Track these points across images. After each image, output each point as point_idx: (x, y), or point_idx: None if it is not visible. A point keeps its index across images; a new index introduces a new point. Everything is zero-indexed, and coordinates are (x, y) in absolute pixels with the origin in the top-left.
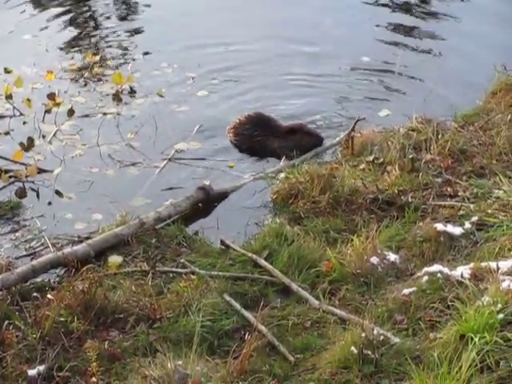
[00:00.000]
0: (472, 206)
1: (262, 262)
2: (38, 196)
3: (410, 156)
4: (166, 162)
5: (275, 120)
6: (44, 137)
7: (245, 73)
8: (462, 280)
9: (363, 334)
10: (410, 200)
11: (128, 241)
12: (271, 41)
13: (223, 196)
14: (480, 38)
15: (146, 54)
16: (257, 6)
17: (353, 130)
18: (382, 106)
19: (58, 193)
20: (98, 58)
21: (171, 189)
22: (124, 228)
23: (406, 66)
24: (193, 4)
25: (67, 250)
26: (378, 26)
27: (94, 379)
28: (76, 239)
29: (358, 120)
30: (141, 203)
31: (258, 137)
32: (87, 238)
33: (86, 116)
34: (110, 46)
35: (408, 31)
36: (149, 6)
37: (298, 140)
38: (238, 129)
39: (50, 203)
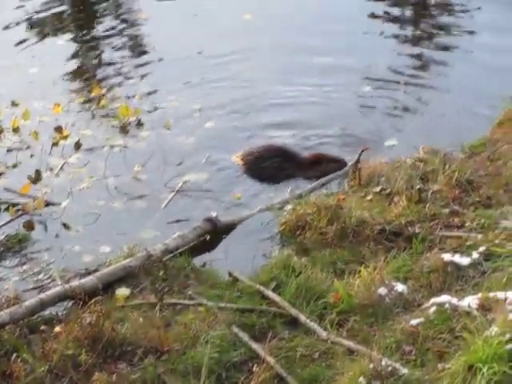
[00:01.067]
0: (479, 236)
1: (270, 294)
2: (45, 229)
3: (417, 187)
4: (173, 194)
5: (296, 151)
6: (51, 170)
7: (251, 104)
8: (470, 310)
9: (371, 365)
10: (417, 231)
11: (136, 273)
12: (276, 72)
13: (230, 227)
14: (487, 68)
15: (152, 86)
16: (263, 34)
17: (358, 160)
18: (387, 135)
19: (65, 225)
20: (104, 90)
21: (179, 221)
22: (132, 260)
23: (411, 95)
24: (198, 35)
25: (75, 283)
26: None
27: None
28: (84, 272)
29: (363, 150)
30: (149, 235)
31: (285, 169)
32: (95, 271)
33: (93, 149)
34: (117, 78)
35: (414, 61)
36: (154, 37)
37: (325, 168)
38: (258, 160)
39: (57, 236)
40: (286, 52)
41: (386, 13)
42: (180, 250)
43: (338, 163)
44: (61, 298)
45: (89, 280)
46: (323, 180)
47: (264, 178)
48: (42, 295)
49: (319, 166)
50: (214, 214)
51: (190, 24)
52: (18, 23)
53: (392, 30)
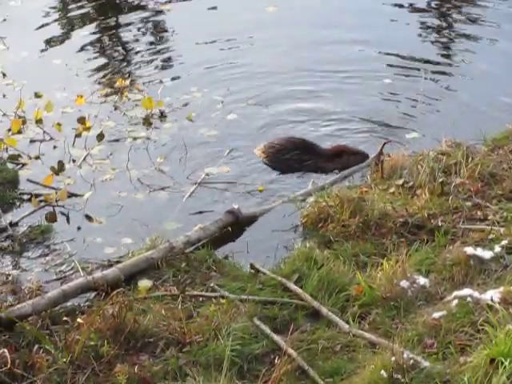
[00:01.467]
0: (502, 229)
1: (292, 286)
2: (68, 220)
3: (440, 180)
4: (195, 186)
5: (317, 144)
6: (74, 161)
7: (274, 96)
8: (492, 304)
9: (393, 358)
10: (439, 224)
11: (158, 265)
12: (297, 62)
13: (252, 219)
14: (510, 62)
15: (175, 78)
16: (283, 28)
17: (381, 153)
18: (409, 127)
19: (88, 217)
20: (127, 82)
21: (201, 213)
22: (154, 252)
23: (433, 86)
24: (221, 28)
25: (97, 274)
26: (403, 45)
27: None
28: (106, 263)
29: (385, 143)
30: (172, 227)
31: (307, 161)
32: (117, 262)
33: (116, 140)
34: (140, 70)
35: (436, 52)
36: (177, 29)
37: (346, 161)
38: (280, 152)
39: (79, 227)
40: (308, 42)
41: (410, 4)
42: (202, 242)
43: (360, 156)
44: (83, 290)
45: (111, 271)
46: (345, 172)
47: (285, 170)
48: (65, 286)
49: (340, 158)
50: (235, 207)
51: (211, 16)
52: (41, 15)
53: (416, 19)
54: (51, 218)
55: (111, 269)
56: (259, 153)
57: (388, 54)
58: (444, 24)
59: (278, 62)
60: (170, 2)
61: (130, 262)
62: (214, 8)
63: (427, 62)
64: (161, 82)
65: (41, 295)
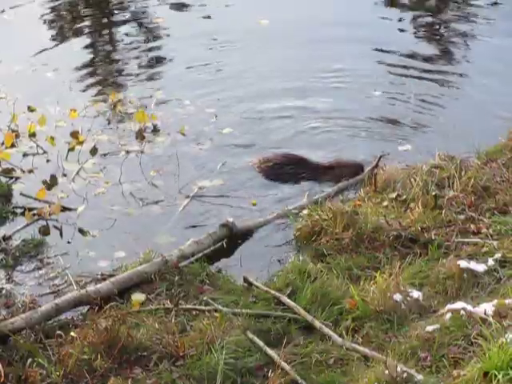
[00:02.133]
0: (495, 242)
1: (285, 300)
2: (61, 234)
3: (433, 193)
4: (188, 199)
5: (311, 159)
6: (67, 175)
7: (267, 109)
8: (486, 317)
9: (386, 372)
10: (433, 237)
11: (151, 278)
12: (290, 77)
13: (247, 232)
14: (501, 74)
15: (168, 91)
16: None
17: (376, 165)
18: (402, 140)
19: (81, 231)
20: (120, 96)
21: (194, 227)
22: (147, 266)
23: (424, 101)
24: (214, 40)
25: (91, 288)
26: (395, 55)
27: None
28: (99, 277)
29: (381, 156)
30: (165, 241)
31: (301, 175)
32: (110, 276)
33: (109, 154)
34: (133, 84)
35: (427, 66)
36: (170, 42)
37: (339, 173)
38: (275, 168)
39: (72, 241)
40: (302, 52)
41: (399, 19)
42: (196, 257)
43: (352, 167)
44: (76, 303)
45: (104, 285)
46: (340, 185)
47: (280, 183)
48: (58, 300)
49: (333, 170)
50: (230, 220)
51: (205, 29)
52: (34, 29)
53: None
54: (44, 231)
55: (104, 282)
56: (254, 167)
57: (381, 63)
58: (438, 31)
59: (270, 72)
60: (159, 17)
61: (123, 276)
62: (208, 17)
63: (419, 73)
64: (153, 95)
65: (34, 309)
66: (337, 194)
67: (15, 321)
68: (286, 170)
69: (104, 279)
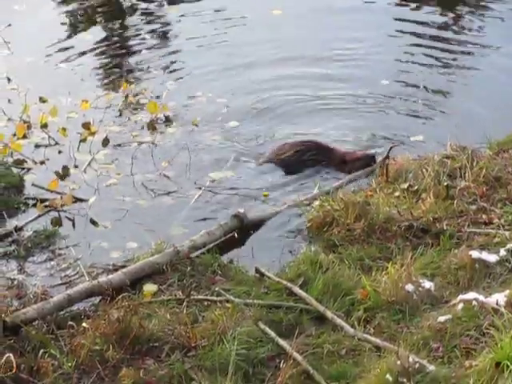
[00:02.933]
0: (507, 233)
1: (297, 290)
2: (73, 225)
3: (445, 183)
4: (200, 191)
5: (328, 145)
6: (78, 166)
7: (278, 100)
8: (498, 307)
9: (398, 362)
10: (444, 227)
11: (163, 269)
12: (301, 68)
13: (258, 223)
14: None
15: (180, 82)
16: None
17: (387, 156)
18: (414, 130)
19: (93, 221)
20: (132, 86)
21: (206, 219)
22: (159, 257)
23: (437, 91)
24: (226, 31)
25: (102, 278)
26: (405, 45)
27: None
28: (111, 268)
29: (391, 147)
30: (177, 232)
31: (323, 162)
32: (122, 267)
33: (121, 145)
34: (145, 74)
35: (440, 58)
36: (182, 32)
37: (351, 167)
38: (297, 156)
39: (84, 232)
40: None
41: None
42: (208, 247)
43: (364, 159)
44: (88, 294)
45: (116, 276)
46: (351, 176)
47: (296, 172)
48: (70, 291)
49: (346, 164)
50: (241, 211)
51: (217, 20)
52: (45, 20)
53: (419, 20)
54: (56, 222)
55: (116, 273)
56: (271, 159)
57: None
58: (448, 27)
59: (281, 65)
60: (174, 3)
61: (135, 267)
62: (220, 11)
63: (430, 68)
64: (165, 86)
65: (46, 300)
66: (347, 185)
67: (27, 311)
68: (307, 156)
69: (116, 270)
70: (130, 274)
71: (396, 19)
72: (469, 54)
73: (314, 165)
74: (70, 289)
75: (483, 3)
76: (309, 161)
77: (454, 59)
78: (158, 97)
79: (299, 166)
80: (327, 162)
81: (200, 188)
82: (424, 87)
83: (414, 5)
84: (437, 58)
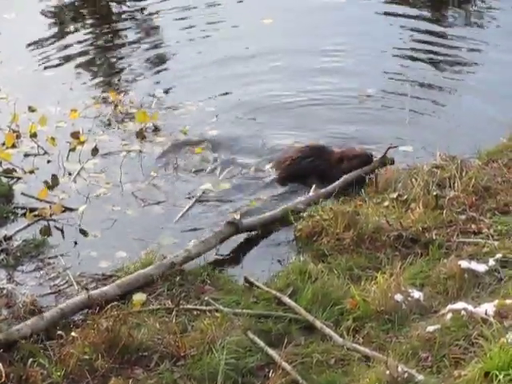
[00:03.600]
0: (496, 243)
1: (286, 300)
2: (62, 234)
3: (434, 193)
4: (191, 201)
5: (324, 147)
6: (70, 174)
7: (267, 106)
8: (487, 317)
9: (387, 372)
10: (433, 237)
11: (153, 279)
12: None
13: (252, 229)
14: (502, 72)
15: (169, 90)
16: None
17: (384, 157)
18: (403, 140)
19: (82, 231)
20: (121, 96)
21: (195, 229)
22: (153, 268)
23: (425, 99)
24: (215, 39)
25: (96, 291)
26: (391, 55)
27: None
28: (101, 277)
29: (389, 148)
30: (167, 242)
31: (321, 166)
32: (111, 276)
33: (110, 154)
34: (133, 83)
35: (426, 66)
36: (171, 41)
37: (348, 166)
38: (295, 163)
39: (74, 241)
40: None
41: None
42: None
43: (360, 157)
44: (81, 308)
45: (110, 288)
46: (347, 177)
47: (299, 181)
48: (63, 305)
49: (342, 163)
50: (236, 217)
51: (207, 27)
52: (35, 28)
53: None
54: (45, 232)
55: (110, 286)
56: (272, 169)
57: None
58: (437, 35)
59: (273, 73)
60: (158, 14)
61: (129, 279)
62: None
63: (418, 75)
64: (154, 95)
65: (39, 316)
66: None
67: (21, 328)
68: (305, 163)
69: (105, 279)
70: (123, 287)
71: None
72: (457, 63)
73: (313, 170)
74: (64, 303)
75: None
76: (307, 168)
77: (444, 69)
78: (147, 106)
79: (298, 174)
80: (326, 164)
81: (189, 197)
82: (413, 96)
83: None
84: (426, 61)
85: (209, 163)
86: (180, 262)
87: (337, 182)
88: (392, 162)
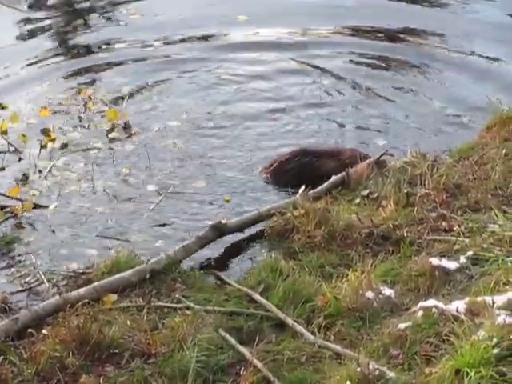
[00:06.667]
0: (467, 240)
1: (257, 297)
2: (33, 231)
3: (405, 191)
4: (161, 197)
5: (317, 146)
6: (40, 172)
7: (244, 105)
8: (458, 315)
9: (358, 369)
10: (405, 234)
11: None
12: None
13: (237, 231)
14: (474, 70)
15: (139, 87)
16: None
17: (378, 160)
18: (375, 138)
19: (53, 228)
20: (91, 92)
21: (166, 225)
22: (134, 273)
23: (394, 100)
24: (188, 36)
25: (72, 294)
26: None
27: None
28: (71, 275)
29: (383, 153)
30: (138, 238)
31: (308, 163)
32: (83, 274)
33: (81, 151)
34: (104, 80)
35: (395, 64)
36: (142, 39)
37: (342, 163)
38: (283, 165)
39: (45, 238)
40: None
41: None
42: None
43: (356, 155)
44: (56, 310)
45: (87, 291)
46: (336, 178)
47: (288, 184)
48: (38, 308)
49: (336, 159)
50: (223, 221)
51: (178, 24)
52: (5, 24)
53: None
54: (17, 229)
55: (87, 288)
56: (264, 173)
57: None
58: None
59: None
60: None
61: (108, 282)
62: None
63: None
64: (124, 92)
65: (13, 320)
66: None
67: None
68: (293, 163)
69: (77, 277)
70: (101, 290)
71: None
72: (430, 59)
73: (303, 169)
74: (39, 305)
75: None
76: (296, 167)
77: (418, 65)
78: (117, 102)
79: (287, 175)
80: (318, 162)
81: (160, 194)
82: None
83: None
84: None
85: (182, 159)
86: (161, 268)
87: (325, 184)
88: (385, 165)
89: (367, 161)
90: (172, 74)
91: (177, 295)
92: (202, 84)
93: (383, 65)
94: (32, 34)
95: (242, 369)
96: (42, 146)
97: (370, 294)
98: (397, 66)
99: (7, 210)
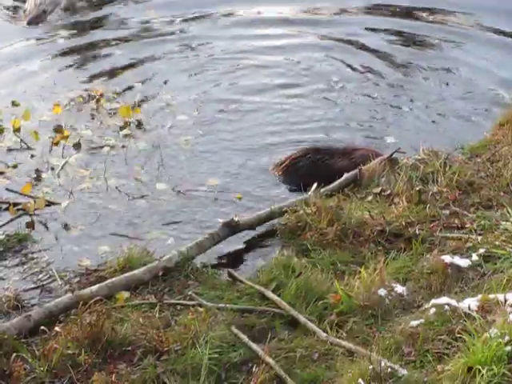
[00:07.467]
0: (479, 237)
1: (270, 295)
2: (46, 229)
3: (418, 188)
4: (174, 194)
5: (329, 145)
6: (52, 169)
7: (250, 104)
8: (470, 312)
9: (371, 367)
10: (417, 232)
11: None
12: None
13: (250, 228)
14: (486, 69)
15: (152, 85)
16: None
17: (390, 157)
18: (385, 134)
19: (65, 225)
20: (104, 90)
21: (177, 222)
22: (147, 271)
23: (408, 95)
24: (197, 32)
25: (85, 291)
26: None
27: None
28: (84, 272)
29: (396, 151)
30: (151, 236)
31: (319, 160)
32: (95, 271)
33: (94, 149)
34: (116, 78)
35: (411, 61)
36: (153, 36)
37: (355, 160)
38: (294, 163)
39: (57, 236)
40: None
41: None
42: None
43: (368, 152)
44: (69, 308)
45: (100, 289)
46: (348, 176)
47: (299, 182)
48: (51, 305)
49: (349, 156)
50: (235, 219)
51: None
52: (17, 23)
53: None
54: (29, 226)
55: (100, 285)
56: (275, 171)
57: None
58: (420, 28)
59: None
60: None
61: (121, 279)
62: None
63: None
64: (137, 89)
65: (26, 317)
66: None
67: (8, 329)
68: (305, 160)
69: (89, 274)
70: (113, 288)
71: None
72: (443, 58)
73: (315, 167)
74: (52, 303)
75: None
76: (306, 165)
77: (429, 62)
78: (130, 100)
79: (300, 172)
80: (330, 160)
81: (174, 191)
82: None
83: None
84: (411, 66)
85: (193, 156)
86: (173, 266)
87: (337, 181)
88: (397, 163)
89: (379, 158)
90: (186, 73)
91: (189, 292)
92: (215, 84)
93: (405, 43)
94: (48, 33)
95: (255, 366)
96: (55, 144)
97: (382, 292)
98: (412, 47)
99: (20, 207)
